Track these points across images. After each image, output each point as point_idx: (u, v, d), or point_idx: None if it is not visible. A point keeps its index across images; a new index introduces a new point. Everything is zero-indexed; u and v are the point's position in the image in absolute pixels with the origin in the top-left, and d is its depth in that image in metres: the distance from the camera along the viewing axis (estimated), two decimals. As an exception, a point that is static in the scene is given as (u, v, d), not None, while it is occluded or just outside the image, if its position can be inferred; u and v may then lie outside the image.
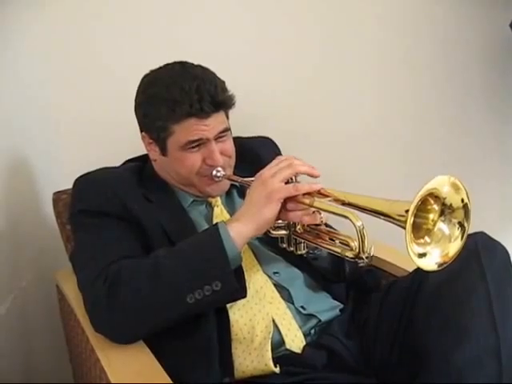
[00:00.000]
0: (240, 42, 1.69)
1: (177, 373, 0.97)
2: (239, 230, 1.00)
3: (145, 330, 1.03)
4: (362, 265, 0.95)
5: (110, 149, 1.39)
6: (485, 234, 1.01)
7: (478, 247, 0.97)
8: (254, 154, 1.28)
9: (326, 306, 1.15)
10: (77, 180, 1.17)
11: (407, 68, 1.96)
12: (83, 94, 1.51)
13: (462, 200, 0.86)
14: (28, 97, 1.46)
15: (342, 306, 1.17)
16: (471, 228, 0.96)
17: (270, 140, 1.43)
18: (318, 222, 1.03)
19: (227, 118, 1.20)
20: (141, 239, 1.10)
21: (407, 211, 0.81)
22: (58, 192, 1.38)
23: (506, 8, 1.95)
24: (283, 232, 1.09)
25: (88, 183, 1.16)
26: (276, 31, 1.74)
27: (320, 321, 1.11)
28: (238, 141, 1.25)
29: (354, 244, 0.96)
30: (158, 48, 1.44)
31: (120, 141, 1.36)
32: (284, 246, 1.11)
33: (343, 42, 1.85)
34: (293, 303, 1.12)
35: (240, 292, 1.01)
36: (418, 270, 1.03)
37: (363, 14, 1.86)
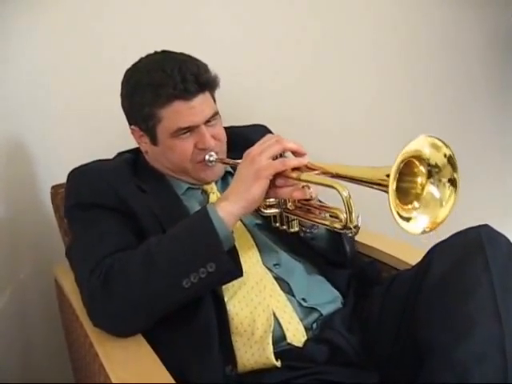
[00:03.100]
0: (239, 34, 1.68)
1: (176, 366, 0.96)
2: (228, 209, 0.99)
3: (143, 320, 1.02)
4: (350, 235, 0.96)
5: (110, 141, 1.38)
6: (489, 226, 0.99)
7: (482, 239, 0.95)
8: (249, 142, 1.26)
9: (327, 298, 1.14)
10: (70, 173, 1.17)
11: (406, 60, 1.96)
12: (83, 87, 1.50)
13: (445, 155, 0.86)
14: (27, 89, 1.45)
15: (342, 297, 1.16)
16: (473, 222, 0.95)
17: (265, 127, 1.42)
18: (307, 196, 1.02)
19: (214, 101, 1.19)
20: (136, 231, 1.09)
21: (388, 175, 0.82)
22: (56, 185, 1.38)
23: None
24: (275, 210, 1.08)
25: (81, 176, 1.16)
26: (275, 24, 1.73)
27: (321, 314, 1.10)
28: (232, 129, 1.24)
29: (343, 215, 0.96)
30: (158, 43, 1.43)
31: (119, 133, 1.34)
32: (277, 224, 1.10)
33: (342, 36, 1.85)
34: (293, 296, 1.11)
35: (235, 271, 1.00)
36: (421, 263, 1.03)
37: (362, 6, 1.85)
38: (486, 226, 0.99)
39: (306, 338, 1.06)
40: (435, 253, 0.99)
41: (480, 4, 2.01)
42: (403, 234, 0.85)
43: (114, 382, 0.90)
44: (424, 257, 1.02)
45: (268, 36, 1.73)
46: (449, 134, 2.01)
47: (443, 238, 0.98)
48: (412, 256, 1.14)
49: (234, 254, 1.01)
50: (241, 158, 1.10)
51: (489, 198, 2.01)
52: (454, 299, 0.92)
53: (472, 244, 0.95)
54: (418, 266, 1.04)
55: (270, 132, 1.40)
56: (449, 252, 0.90)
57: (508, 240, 0.98)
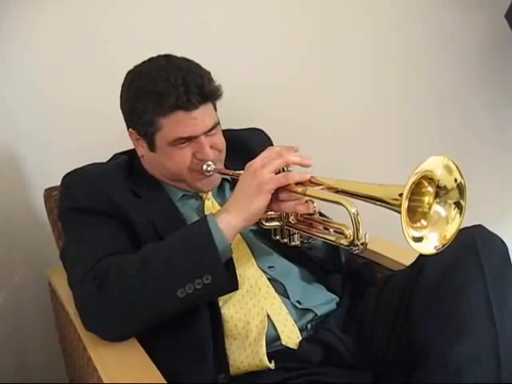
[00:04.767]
0: (239, 34, 1.68)
1: (170, 370, 0.95)
2: (229, 221, 0.99)
3: (136, 326, 1.01)
4: (356, 252, 0.94)
5: (103, 144, 1.37)
6: (483, 227, 0.99)
7: (476, 241, 0.95)
8: (246, 146, 1.26)
9: (322, 300, 1.13)
10: (65, 176, 1.16)
11: (405, 61, 1.95)
12: (77, 90, 1.49)
13: (456, 180, 0.86)
14: (21, 92, 1.44)
15: (338, 299, 1.16)
16: (469, 220, 0.94)
17: (262, 131, 1.41)
18: (311, 211, 1.01)
19: (215, 109, 1.18)
20: (130, 235, 1.08)
21: (401, 195, 0.81)
22: (49, 188, 1.37)
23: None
24: (276, 223, 1.08)
25: (76, 180, 1.15)
26: (270, 22, 1.73)
27: (316, 315, 1.10)
28: (229, 133, 1.23)
29: (349, 232, 0.95)
30: (158, 43, 1.43)
31: (113, 136, 1.34)
32: (277, 237, 1.09)
33: (341, 37, 1.84)
34: (288, 298, 1.11)
35: (231, 285, 0.99)
36: (415, 264, 1.03)
37: (362, 8, 1.85)
38: (479, 226, 0.99)
39: (300, 339, 1.06)
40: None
41: (478, 4, 2.01)
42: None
43: (106, 384, 0.90)
44: (417, 258, 1.02)
45: (267, 37, 1.72)
46: (447, 132, 2.04)
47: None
48: (406, 257, 1.14)
49: (230, 267, 1.00)
50: (238, 164, 1.09)
51: (486, 195, 2.00)
52: (448, 301, 0.93)
53: (465, 245, 0.95)
54: (412, 267, 1.04)
55: (267, 136, 1.40)
56: (442, 253, 0.89)
57: (502, 241, 0.98)
